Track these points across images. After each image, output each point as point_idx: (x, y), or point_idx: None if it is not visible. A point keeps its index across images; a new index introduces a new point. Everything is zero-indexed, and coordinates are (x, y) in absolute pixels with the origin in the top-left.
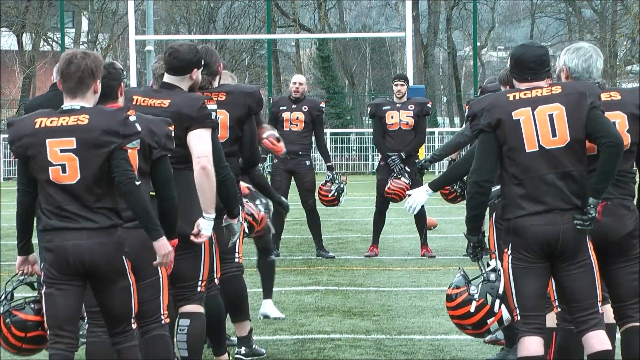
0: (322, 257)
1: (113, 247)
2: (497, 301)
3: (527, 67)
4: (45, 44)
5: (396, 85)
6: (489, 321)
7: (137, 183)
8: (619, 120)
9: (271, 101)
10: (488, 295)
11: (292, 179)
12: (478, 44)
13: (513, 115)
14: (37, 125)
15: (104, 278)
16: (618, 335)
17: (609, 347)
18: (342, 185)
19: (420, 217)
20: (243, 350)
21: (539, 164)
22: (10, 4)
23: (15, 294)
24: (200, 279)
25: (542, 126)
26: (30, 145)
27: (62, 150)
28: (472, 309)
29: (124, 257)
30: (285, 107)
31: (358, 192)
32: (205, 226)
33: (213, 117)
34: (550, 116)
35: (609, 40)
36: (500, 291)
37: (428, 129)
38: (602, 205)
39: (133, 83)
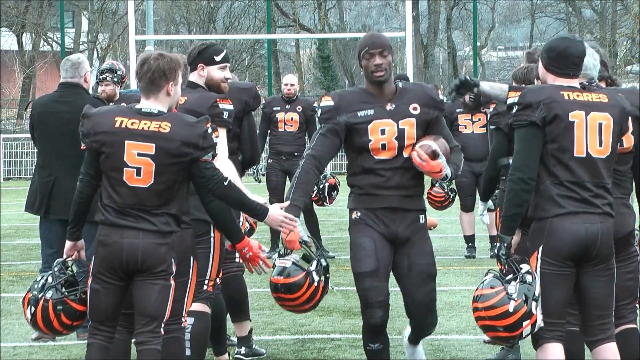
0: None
1: (166, 249)
2: (534, 303)
3: (573, 62)
4: (45, 44)
5: None
6: (524, 323)
7: (226, 183)
8: (607, 122)
9: (263, 101)
10: (525, 296)
11: (288, 179)
12: (478, 44)
13: (570, 115)
14: (117, 125)
15: (150, 276)
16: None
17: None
18: (323, 185)
19: None
20: (243, 350)
21: (582, 170)
22: (10, 4)
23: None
24: (208, 277)
25: (592, 133)
26: (107, 143)
27: (139, 154)
28: (511, 308)
29: (173, 260)
30: (278, 108)
31: None
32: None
33: (224, 117)
34: (600, 125)
35: (609, 40)
36: (537, 293)
37: None
38: None
39: (133, 84)
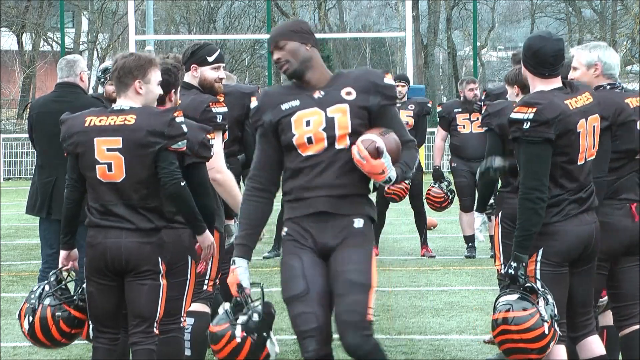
0: None
1: (150, 248)
2: (555, 323)
3: (547, 62)
4: (45, 44)
5: (397, 86)
6: (551, 344)
7: (182, 184)
8: (596, 124)
9: None
10: (552, 317)
11: None
12: (478, 44)
13: (577, 127)
14: (86, 124)
15: (137, 276)
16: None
17: (604, 351)
18: None
19: (420, 217)
20: None
21: (581, 174)
22: (10, 4)
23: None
24: (208, 277)
25: (590, 138)
26: (80, 143)
27: (108, 149)
28: (547, 331)
29: (159, 258)
30: None
31: None
32: (234, 229)
33: (218, 120)
34: (594, 128)
35: (609, 40)
36: (556, 312)
37: (428, 129)
38: (635, 205)
39: None
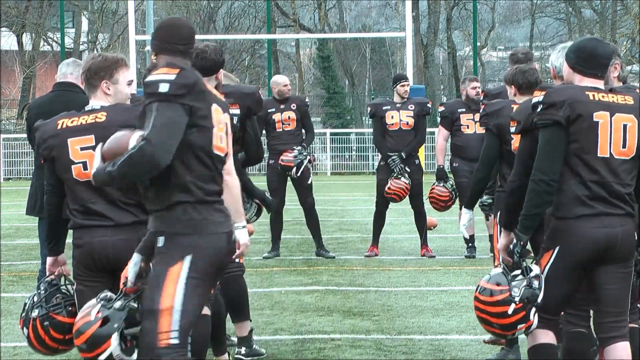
0: (322, 257)
1: (137, 243)
2: (533, 309)
3: (601, 63)
4: (45, 44)
5: (403, 85)
6: (519, 326)
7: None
8: (631, 124)
9: None
10: (527, 301)
11: (289, 178)
12: (478, 44)
13: (594, 115)
14: (59, 127)
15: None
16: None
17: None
18: (302, 157)
19: (420, 217)
20: (243, 350)
21: (605, 170)
22: (10, 4)
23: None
24: None
25: (616, 135)
26: (54, 146)
27: (82, 148)
28: (510, 311)
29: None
30: (273, 109)
31: (358, 192)
32: (239, 235)
33: (234, 122)
34: (625, 126)
35: (609, 40)
36: (539, 300)
37: (428, 129)
38: None
39: (133, 83)
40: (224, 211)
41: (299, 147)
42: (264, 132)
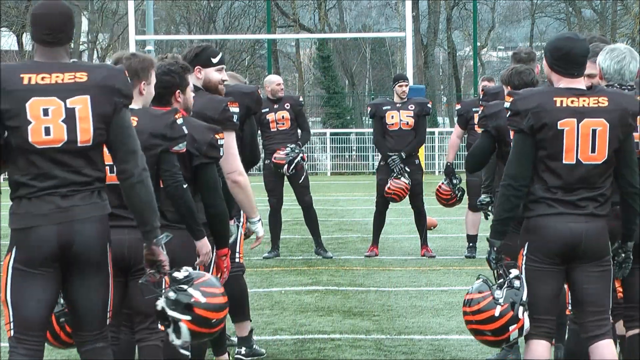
0: (321, 256)
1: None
2: (521, 308)
3: (578, 62)
4: None
5: (401, 86)
6: (511, 328)
7: (185, 186)
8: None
9: None
10: (512, 301)
11: (285, 177)
12: (478, 44)
13: (558, 124)
14: None
15: (139, 272)
16: None
17: (616, 358)
18: (295, 154)
19: (420, 217)
20: (243, 350)
21: (571, 176)
22: (10, 4)
23: None
24: None
25: (584, 140)
26: None
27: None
28: (497, 313)
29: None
30: (267, 109)
31: (358, 192)
32: (255, 229)
33: (235, 120)
34: (594, 131)
35: (609, 40)
36: (524, 298)
37: (428, 129)
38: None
39: None
40: (55, 202)
41: (292, 145)
42: (258, 132)
